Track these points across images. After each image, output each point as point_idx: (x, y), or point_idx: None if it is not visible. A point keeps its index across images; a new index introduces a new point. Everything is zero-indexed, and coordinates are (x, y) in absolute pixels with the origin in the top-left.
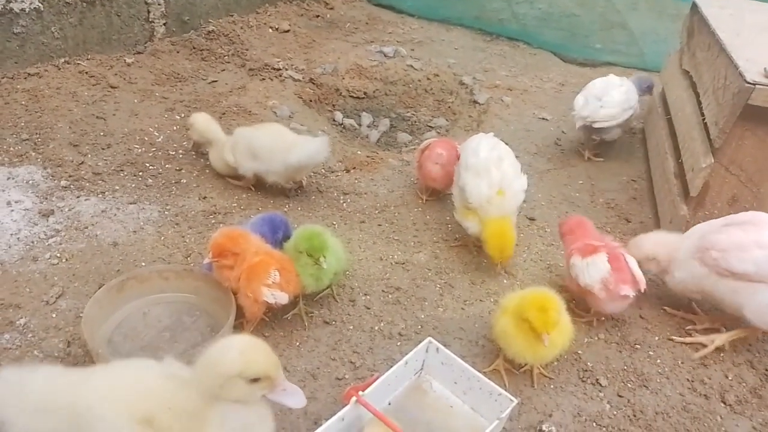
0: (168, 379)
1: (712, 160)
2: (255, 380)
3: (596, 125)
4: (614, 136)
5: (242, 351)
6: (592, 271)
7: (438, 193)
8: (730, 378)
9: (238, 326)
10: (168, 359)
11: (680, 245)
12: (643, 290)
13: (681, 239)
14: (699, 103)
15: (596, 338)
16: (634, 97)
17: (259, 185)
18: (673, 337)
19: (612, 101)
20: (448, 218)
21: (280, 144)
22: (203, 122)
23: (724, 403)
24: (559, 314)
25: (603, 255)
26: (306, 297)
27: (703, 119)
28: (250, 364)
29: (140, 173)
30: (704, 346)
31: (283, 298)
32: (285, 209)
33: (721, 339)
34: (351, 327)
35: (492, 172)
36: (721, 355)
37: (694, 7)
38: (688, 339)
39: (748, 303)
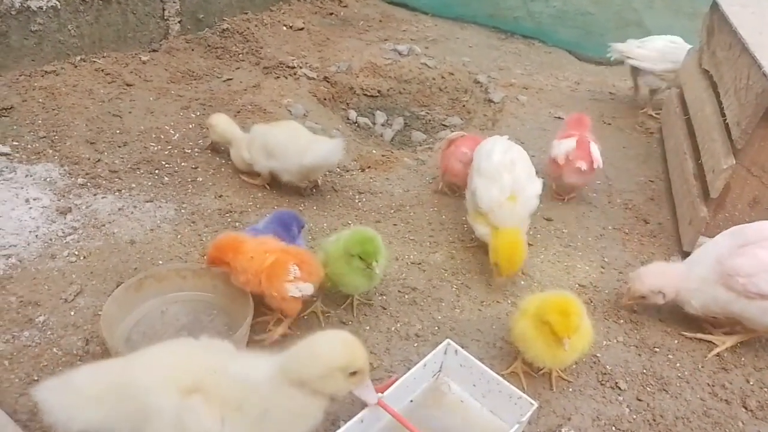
0: (210, 349)
1: (734, 162)
2: (353, 374)
3: (629, 62)
4: (653, 85)
5: (347, 345)
6: (561, 147)
7: (458, 189)
8: (751, 383)
9: (257, 325)
10: (204, 337)
11: (686, 274)
12: (597, 168)
13: (682, 267)
14: (719, 103)
15: (615, 341)
16: (680, 54)
17: (275, 184)
18: (685, 333)
19: (651, 45)
20: (463, 218)
21: (295, 143)
22: (223, 123)
23: (746, 408)
24: (581, 318)
25: (573, 139)
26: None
27: (724, 120)
28: (354, 358)
29: (156, 171)
30: (715, 345)
31: (308, 288)
32: (300, 208)
33: (732, 339)
34: (367, 327)
35: (504, 177)
36: (742, 359)
37: (715, 6)
38: (699, 335)
39: None
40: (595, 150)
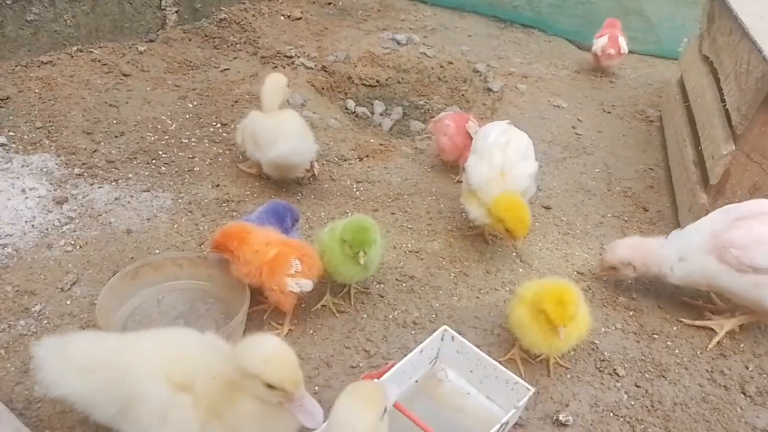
0: (211, 350)
1: (734, 147)
2: (272, 386)
3: None
4: None
5: (266, 356)
6: (598, 43)
7: (453, 166)
8: (750, 369)
9: (254, 314)
10: (209, 333)
11: (657, 248)
12: (623, 53)
13: (656, 242)
14: (720, 89)
15: (613, 328)
16: None
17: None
18: (683, 319)
19: None
20: (462, 207)
21: (272, 136)
22: (266, 86)
23: (744, 394)
24: (577, 307)
25: (605, 36)
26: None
27: (724, 106)
28: (268, 371)
29: (153, 161)
30: (715, 332)
31: (307, 285)
32: (298, 197)
33: (730, 324)
34: (365, 315)
35: (495, 155)
36: (741, 345)
37: None
38: (698, 322)
39: None
40: (622, 41)
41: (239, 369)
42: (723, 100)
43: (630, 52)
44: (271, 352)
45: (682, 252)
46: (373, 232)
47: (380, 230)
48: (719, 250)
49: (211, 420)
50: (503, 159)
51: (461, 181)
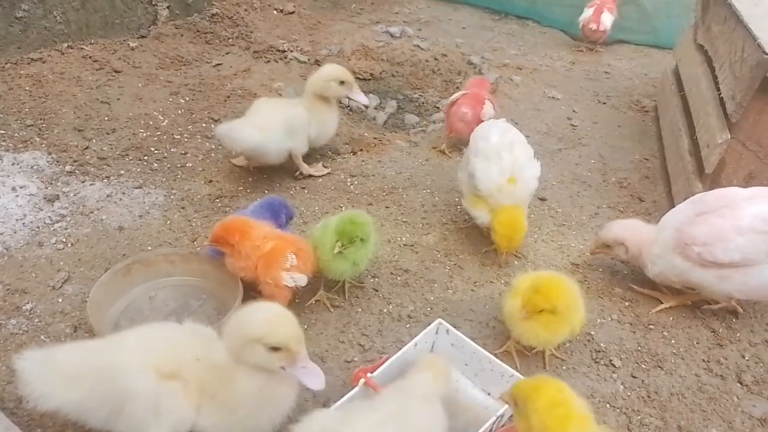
0: (194, 335)
1: (729, 136)
2: (275, 349)
3: None
4: None
5: (268, 317)
6: (584, 13)
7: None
8: (746, 358)
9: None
10: (188, 322)
11: (652, 236)
12: (603, 30)
13: (653, 230)
14: (714, 78)
15: (609, 319)
16: None
17: (265, 168)
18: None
19: None
20: (456, 200)
21: (242, 120)
22: (322, 72)
23: (741, 384)
24: (557, 300)
25: (591, 9)
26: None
27: (719, 94)
28: (272, 331)
29: (145, 157)
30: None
31: (302, 279)
32: (291, 192)
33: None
34: (359, 309)
35: (503, 157)
36: (738, 335)
37: None
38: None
39: (738, 287)
40: (605, 18)
41: (239, 338)
42: (718, 89)
43: (625, 42)
44: (272, 313)
45: (658, 247)
46: (360, 229)
47: (375, 224)
48: (682, 247)
49: (205, 402)
50: (513, 162)
51: (444, 152)
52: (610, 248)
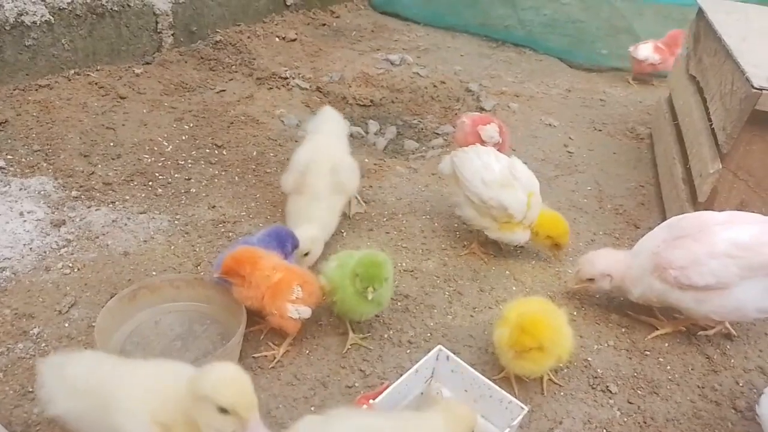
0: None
1: (720, 166)
2: (224, 411)
3: None
4: None
5: (219, 377)
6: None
7: None
8: (740, 384)
9: (251, 334)
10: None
11: (629, 261)
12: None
13: (628, 255)
14: (706, 108)
15: (606, 345)
16: None
17: (267, 195)
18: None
19: None
20: (456, 225)
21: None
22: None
23: (735, 410)
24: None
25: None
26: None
27: (711, 125)
28: (221, 394)
29: (150, 183)
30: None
31: (306, 312)
32: None
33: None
34: (360, 335)
35: (516, 178)
36: (732, 361)
37: (700, 13)
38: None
39: (715, 309)
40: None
41: (191, 393)
42: (709, 119)
43: (620, 69)
44: (225, 374)
45: (636, 270)
46: (385, 269)
47: (374, 250)
48: (659, 270)
49: None
50: (525, 179)
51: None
52: (593, 281)
